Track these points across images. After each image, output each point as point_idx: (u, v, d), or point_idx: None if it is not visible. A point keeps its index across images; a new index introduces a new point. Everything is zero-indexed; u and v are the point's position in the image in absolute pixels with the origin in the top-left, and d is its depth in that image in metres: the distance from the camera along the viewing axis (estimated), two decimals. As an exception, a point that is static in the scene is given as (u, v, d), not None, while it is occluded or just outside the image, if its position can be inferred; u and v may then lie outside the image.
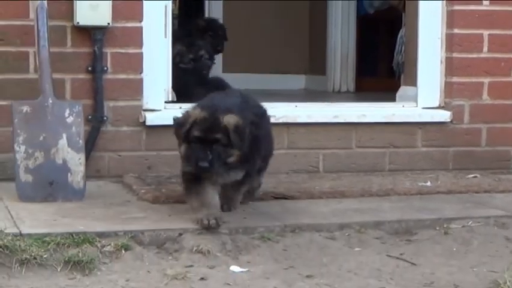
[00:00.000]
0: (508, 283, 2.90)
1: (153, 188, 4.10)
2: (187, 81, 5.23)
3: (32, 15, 4.21)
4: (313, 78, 7.52)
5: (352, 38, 7.54)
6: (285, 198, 4.02)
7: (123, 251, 3.19)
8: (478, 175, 4.68)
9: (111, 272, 3.06)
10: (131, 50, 4.49)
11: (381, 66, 7.35)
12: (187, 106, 4.75)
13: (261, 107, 3.95)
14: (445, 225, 3.62)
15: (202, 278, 3.04)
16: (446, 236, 3.56)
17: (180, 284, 2.99)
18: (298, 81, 7.19)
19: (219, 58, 6.57)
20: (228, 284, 3.00)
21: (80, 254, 3.07)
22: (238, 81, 5.74)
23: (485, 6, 4.85)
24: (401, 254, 3.36)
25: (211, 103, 3.71)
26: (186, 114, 3.66)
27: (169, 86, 4.70)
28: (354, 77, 7.50)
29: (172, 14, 5.17)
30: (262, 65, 7.55)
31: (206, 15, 7.82)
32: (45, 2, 4.10)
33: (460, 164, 4.88)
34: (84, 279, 2.98)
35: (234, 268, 3.16)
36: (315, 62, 7.59)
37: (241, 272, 3.13)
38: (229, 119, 3.51)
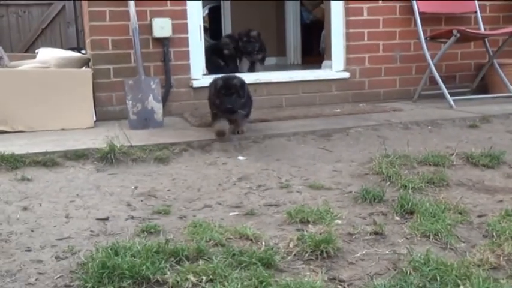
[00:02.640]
0: (377, 158, 2.98)
1: (198, 119, 4.11)
2: (216, 64, 5.17)
3: (131, 32, 4.18)
4: (279, 58, 7.44)
5: (299, 35, 7.43)
6: (266, 121, 4.03)
7: (183, 152, 3.24)
8: (364, 104, 4.69)
9: (178, 162, 3.11)
10: (183, 49, 4.45)
11: (315, 49, 7.27)
12: (213, 76, 4.73)
13: None
14: (346, 131, 3.65)
15: (224, 163, 3.09)
16: (347, 136, 3.59)
17: (212, 167, 3.04)
18: (272, 60, 7.11)
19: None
20: (237, 165, 3.05)
21: (162, 154, 3.13)
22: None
23: (365, 17, 4.80)
24: (324, 146, 3.41)
25: None
26: None
27: (204, 67, 4.65)
28: (301, 56, 7.43)
29: (204, 27, 5.10)
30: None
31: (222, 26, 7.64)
32: (137, 25, 4.10)
33: (355, 99, 4.87)
34: (164, 166, 3.05)
35: (240, 157, 3.20)
36: (280, 48, 7.50)
37: (244, 159, 3.18)
38: None
